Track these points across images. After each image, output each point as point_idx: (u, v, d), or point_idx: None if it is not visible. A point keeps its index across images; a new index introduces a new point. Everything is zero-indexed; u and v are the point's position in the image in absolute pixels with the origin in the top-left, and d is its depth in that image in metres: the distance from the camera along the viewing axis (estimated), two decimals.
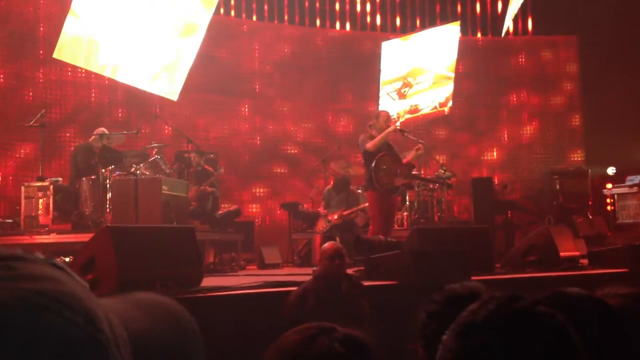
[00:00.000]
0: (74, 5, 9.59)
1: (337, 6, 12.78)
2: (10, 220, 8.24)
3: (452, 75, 12.42)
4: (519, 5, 12.70)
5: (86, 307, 0.54)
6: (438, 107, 12.47)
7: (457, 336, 1.02)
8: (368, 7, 12.99)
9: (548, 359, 0.98)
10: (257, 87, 12.09)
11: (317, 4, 12.57)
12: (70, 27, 9.64)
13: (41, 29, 10.09)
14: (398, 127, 8.03)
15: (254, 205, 11.71)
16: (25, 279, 0.52)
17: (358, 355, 1.30)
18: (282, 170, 12.02)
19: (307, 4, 12.53)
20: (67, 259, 6.13)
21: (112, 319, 0.57)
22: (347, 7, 12.88)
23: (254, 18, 12.16)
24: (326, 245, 4.83)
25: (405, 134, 8.15)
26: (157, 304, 0.72)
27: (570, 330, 1.03)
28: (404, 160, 7.56)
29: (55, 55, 9.63)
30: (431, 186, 9.72)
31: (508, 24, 12.91)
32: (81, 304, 0.53)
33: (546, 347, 0.99)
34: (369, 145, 7.30)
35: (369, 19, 12.98)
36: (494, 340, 0.98)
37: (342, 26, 12.87)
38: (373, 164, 7.24)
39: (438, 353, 1.03)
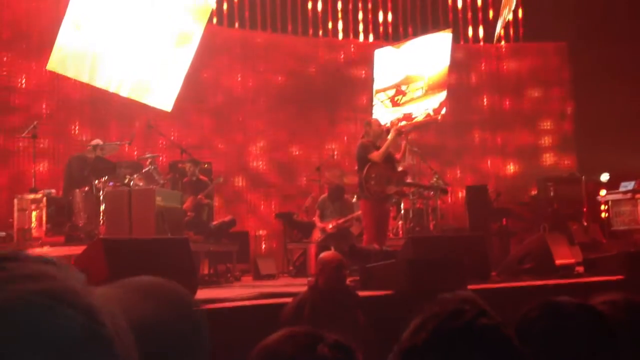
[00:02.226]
0: (74, 18, 9.50)
1: (329, 14, 12.80)
2: (3, 233, 8.18)
3: (445, 82, 12.44)
4: (510, 12, 12.75)
5: (86, 302, 0.53)
6: (432, 114, 12.48)
7: None
8: (360, 15, 13.02)
9: None
10: (251, 96, 12.09)
11: (310, 14, 12.59)
12: (70, 41, 9.56)
13: (34, 39, 10.07)
14: (401, 130, 7.85)
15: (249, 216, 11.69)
16: (21, 280, 0.51)
17: None
18: (278, 182, 12.00)
19: (299, 12, 12.56)
20: None
21: (113, 309, 0.56)
22: (340, 14, 12.90)
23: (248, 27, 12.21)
24: (327, 255, 4.77)
25: (403, 134, 8.07)
26: (158, 288, 0.72)
27: (515, 341, 1.01)
28: (398, 156, 7.52)
29: (49, 67, 9.57)
30: (426, 194, 9.70)
31: (499, 30, 12.96)
32: (81, 300, 0.53)
33: None
34: (375, 156, 7.25)
35: (361, 26, 13.02)
36: None
37: (335, 34, 12.89)
38: (364, 173, 7.22)
39: None
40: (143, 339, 0.58)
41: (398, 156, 7.45)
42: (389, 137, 7.35)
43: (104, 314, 0.54)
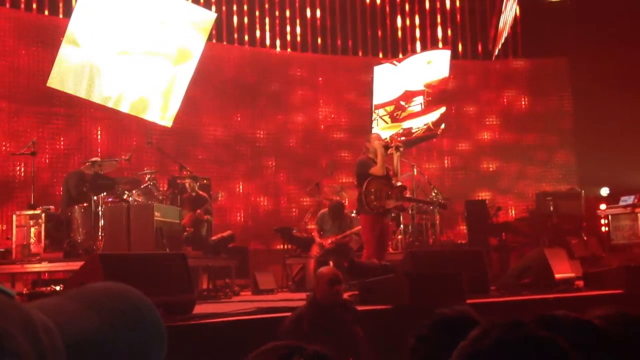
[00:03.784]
0: (74, 34, 9.55)
1: (329, 31, 12.88)
2: (2, 249, 8.18)
3: (444, 97, 12.48)
4: (508, 29, 12.82)
5: None
6: (432, 128, 12.52)
7: None
8: (358, 32, 13.10)
9: None
10: (250, 117, 12.13)
11: (309, 30, 12.67)
12: (70, 57, 9.59)
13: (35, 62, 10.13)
14: (397, 145, 7.79)
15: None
16: None
17: None
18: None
19: (298, 30, 12.64)
20: (58, 288, 6.08)
21: (39, 328, 0.51)
22: (338, 31, 12.97)
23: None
24: (323, 269, 4.78)
25: (401, 150, 8.05)
26: (108, 296, 0.66)
27: (572, 354, 1.02)
28: (392, 173, 7.47)
29: (49, 83, 9.60)
30: (424, 207, 9.69)
31: (498, 47, 13.02)
32: None
33: None
34: (375, 170, 7.25)
35: (360, 43, 13.08)
36: None
37: (334, 51, 12.95)
38: (363, 188, 7.20)
39: None
40: (83, 354, 0.55)
41: (391, 172, 7.43)
42: (379, 151, 7.33)
43: (14, 338, 0.49)
